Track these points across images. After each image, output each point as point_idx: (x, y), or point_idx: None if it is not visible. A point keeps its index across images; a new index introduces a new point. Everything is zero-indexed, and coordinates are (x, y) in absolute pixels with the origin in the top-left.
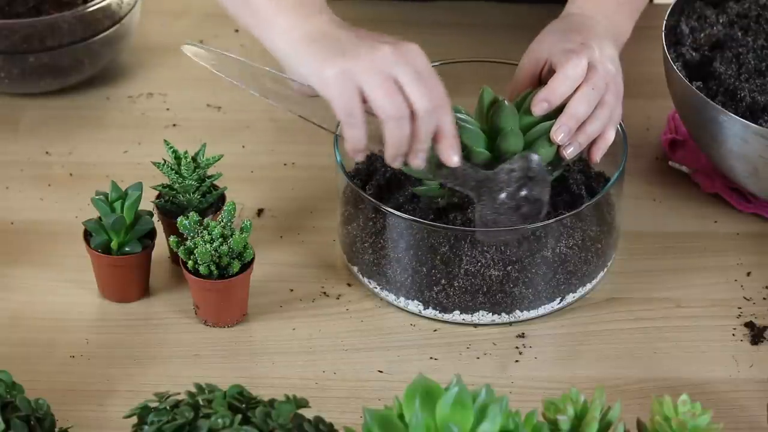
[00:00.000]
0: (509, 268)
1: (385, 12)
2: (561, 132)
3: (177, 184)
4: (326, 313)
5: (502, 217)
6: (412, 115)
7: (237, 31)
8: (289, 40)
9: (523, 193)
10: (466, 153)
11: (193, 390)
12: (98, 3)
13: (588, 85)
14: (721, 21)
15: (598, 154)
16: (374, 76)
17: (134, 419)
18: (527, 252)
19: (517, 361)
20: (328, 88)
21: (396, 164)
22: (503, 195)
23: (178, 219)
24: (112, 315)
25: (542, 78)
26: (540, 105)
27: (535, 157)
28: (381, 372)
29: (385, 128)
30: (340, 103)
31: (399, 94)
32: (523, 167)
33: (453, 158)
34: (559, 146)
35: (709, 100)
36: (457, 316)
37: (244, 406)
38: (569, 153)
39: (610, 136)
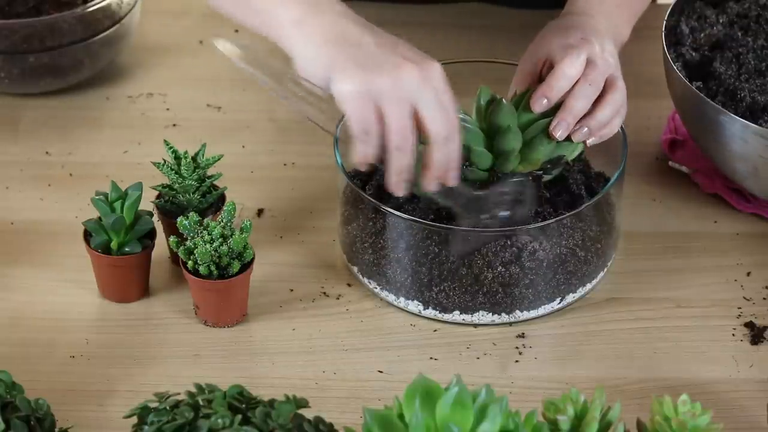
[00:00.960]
0: (509, 268)
1: (386, 13)
2: (560, 128)
3: (177, 184)
4: (326, 313)
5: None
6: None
7: (237, 31)
8: (303, 36)
9: (507, 213)
10: (464, 155)
11: (193, 390)
12: (98, 3)
13: (585, 81)
14: (721, 21)
15: (597, 140)
16: (395, 102)
17: (134, 419)
18: (527, 252)
19: (517, 361)
20: (346, 103)
21: (400, 192)
22: (487, 215)
23: (178, 219)
24: (112, 315)
25: (543, 76)
26: (539, 101)
27: (529, 182)
28: (381, 372)
29: (390, 156)
30: (357, 120)
31: (413, 130)
32: (515, 191)
33: (453, 180)
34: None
35: (709, 100)
36: (457, 316)
37: (244, 406)
38: (577, 137)
39: (616, 125)
